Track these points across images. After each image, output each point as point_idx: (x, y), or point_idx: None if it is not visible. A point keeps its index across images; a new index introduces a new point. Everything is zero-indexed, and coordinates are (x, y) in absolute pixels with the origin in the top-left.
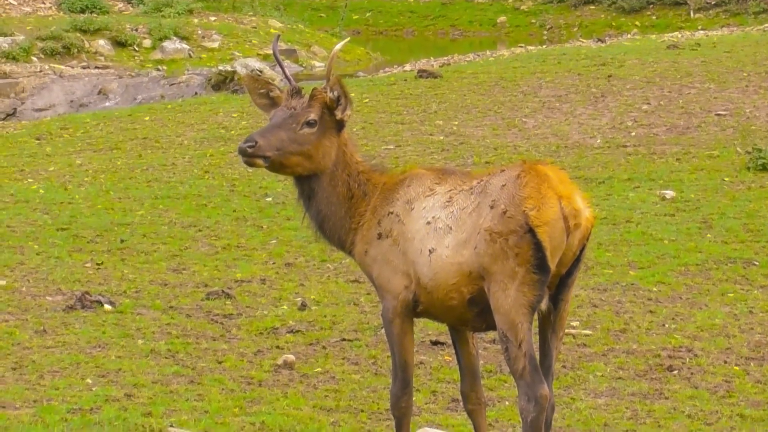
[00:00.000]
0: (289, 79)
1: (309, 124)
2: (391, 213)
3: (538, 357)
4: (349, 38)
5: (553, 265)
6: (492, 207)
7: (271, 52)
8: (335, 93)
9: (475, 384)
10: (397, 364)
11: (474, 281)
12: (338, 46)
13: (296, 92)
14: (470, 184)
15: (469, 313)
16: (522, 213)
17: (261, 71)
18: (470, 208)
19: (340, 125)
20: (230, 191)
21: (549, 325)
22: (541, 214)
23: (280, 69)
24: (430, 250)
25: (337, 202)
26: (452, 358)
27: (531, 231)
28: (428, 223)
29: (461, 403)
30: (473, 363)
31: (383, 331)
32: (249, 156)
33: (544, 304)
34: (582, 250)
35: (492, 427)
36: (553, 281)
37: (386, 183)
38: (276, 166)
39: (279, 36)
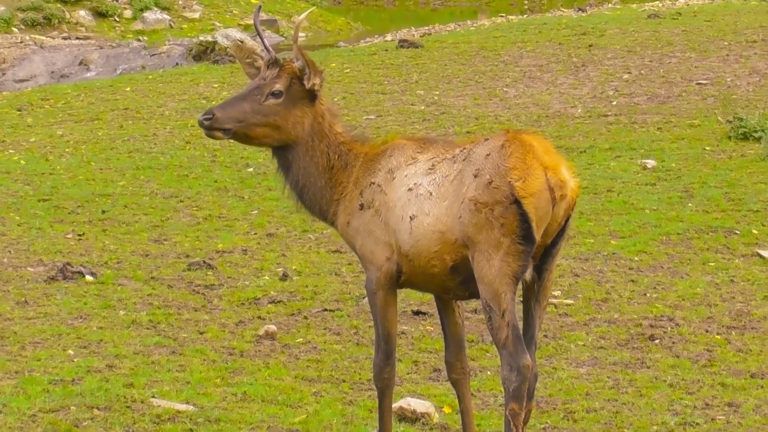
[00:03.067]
0: (267, 50)
1: (274, 94)
2: (373, 183)
3: (521, 326)
4: (312, 9)
5: (538, 235)
6: (476, 176)
7: (252, 22)
8: (299, 62)
9: (460, 354)
10: (380, 335)
11: (457, 249)
12: (302, 17)
13: (273, 63)
14: (453, 152)
15: (451, 282)
16: (507, 184)
17: (242, 41)
18: (452, 175)
19: (312, 95)
20: (211, 162)
21: (533, 294)
22: (526, 185)
23: (260, 40)
24: (411, 217)
25: (315, 173)
26: (434, 328)
27: (517, 202)
28: (410, 189)
29: (444, 373)
30: (459, 333)
31: (365, 301)
32: (207, 129)
33: (528, 274)
34: (567, 221)
35: (474, 396)
36: (537, 251)
37: (368, 153)
38: (241, 137)
39: (260, 7)
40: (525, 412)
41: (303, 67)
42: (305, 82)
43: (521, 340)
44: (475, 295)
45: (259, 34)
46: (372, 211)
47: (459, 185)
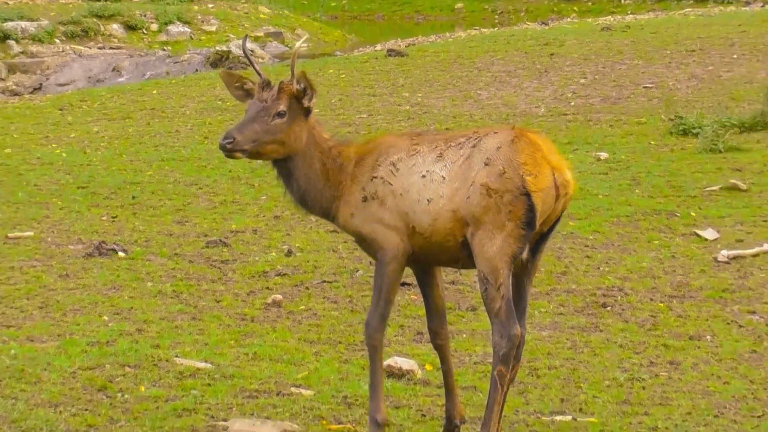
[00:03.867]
0: (259, 73)
1: (279, 115)
2: (375, 177)
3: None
4: (307, 36)
5: (539, 224)
6: (487, 164)
7: (261, 34)
8: (301, 85)
9: (443, 322)
10: (381, 301)
11: (465, 226)
12: (299, 44)
13: (266, 85)
14: (457, 141)
15: (462, 253)
16: (520, 177)
17: (252, 51)
18: (460, 160)
19: (307, 111)
20: None
21: (525, 272)
22: (537, 181)
23: (251, 65)
24: (428, 200)
25: (314, 177)
26: (417, 297)
27: (527, 194)
28: (423, 176)
29: (426, 335)
30: (442, 304)
31: (358, 274)
32: (229, 151)
33: (524, 255)
34: (562, 212)
35: (452, 355)
36: (534, 236)
37: (358, 152)
38: (254, 155)
39: (246, 36)
40: (513, 372)
41: (305, 89)
42: (304, 101)
43: (513, 311)
44: (469, 264)
45: (249, 59)
46: (377, 201)
47: (467, 169)
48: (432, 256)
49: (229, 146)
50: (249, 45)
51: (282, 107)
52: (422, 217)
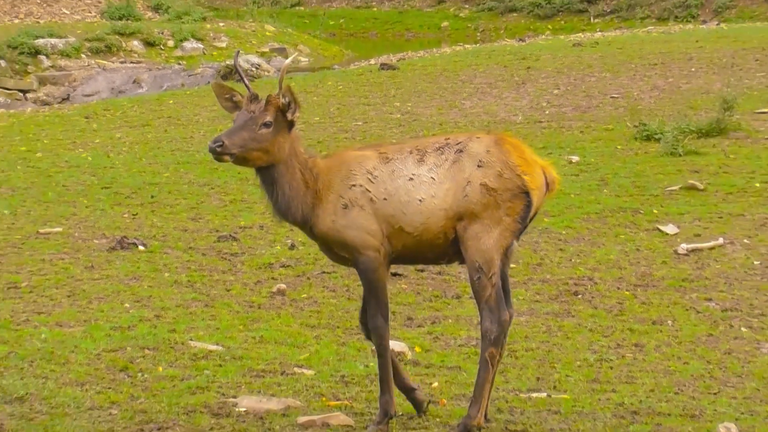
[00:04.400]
0: (248, 87)
1: (266, 125)
2: (354, 186)
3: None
4: (296, 54)
5: (530, 218)
6: (480, 166)
7: (267, 49)
8: (286, 99)
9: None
10: (379, 304)
11: (455, 223)
12: (287, 62)
13: (254, 98)
14: (433, 147)
15: (451, 249)
16: (518, 177)
17: (259, 65)
18: (446, 164)
19: (291, 125)
20: None
21: (506, 260)
22: (534, 180)
23: (242, 79)
24: (419, 200)
25: (296, 184)
26: (408, 286)
27: (525, 192)
28: (410, 179)
29: (417, 322)
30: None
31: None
32: (218, 154)
33: (513, 245)
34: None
35: (438, 339)
36: None
37: (327, 165)
38: (240, 160)
39: (239, 51)
40: (501, 353)
41: (289, 103)
42: (288, 115)
43: (503, 298)
44: (453, 259)
45: (239, 74)
46: (356, 208)
47: (458, 171)
48: (420, 253)
49: (218, 149)
50: (255, 59)
51: (269, 118)
52: (414, 217)
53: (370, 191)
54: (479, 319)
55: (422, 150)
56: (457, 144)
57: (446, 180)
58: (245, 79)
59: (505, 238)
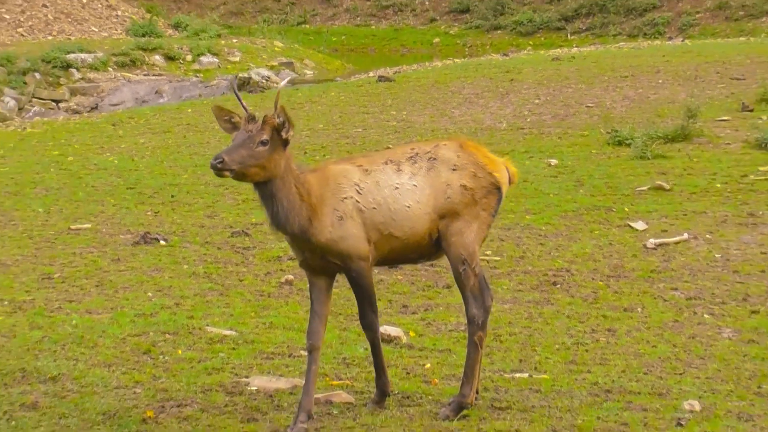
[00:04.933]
0: (245, 109)
1: (263, 143)
2: (346, 198)
3: None
4: (289, 77)
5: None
6: (455, 170)
7: (276, 63)
8: (281, 119)
9: (324, 326)
10: (371, 304)
11: (437, 224)
12: (282, 84)
13: (252, 118)
14: (405, 156)
15: (433, 249)
16: (489, 174)
17: (269, 77)
18: (423, 171)
19: (286, 143)
20: None
21: None
22: (501, 176)
23: (239, 101)
24: (407, 207)
25: (293, 198)
26: (403, 276)
27: (498, 188)
28: (396, 188)
29: (412, 309)
30: (328, 310)
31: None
32: (218, 170)
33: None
34: None
35: (430, 324)
36: None
37: (316, 179)
38: (239, 176)
39: (236, 76)
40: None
41: (283, 122)
42: (283, 133)
43: (486, 286)
44: (432, 257)
45: (237, 97)
46: (349, 219)
47: (435, 177)
48: (404, 255)
49: (219, 166)
50: (265, 72)
51: (265, 137)
52: (403, 223)
53: (360, 202)
54: (465, 307)
55: (396, 161)
56: (427, 153)
57: (426, 186)
58: (242, 102)
59: (482, 230)
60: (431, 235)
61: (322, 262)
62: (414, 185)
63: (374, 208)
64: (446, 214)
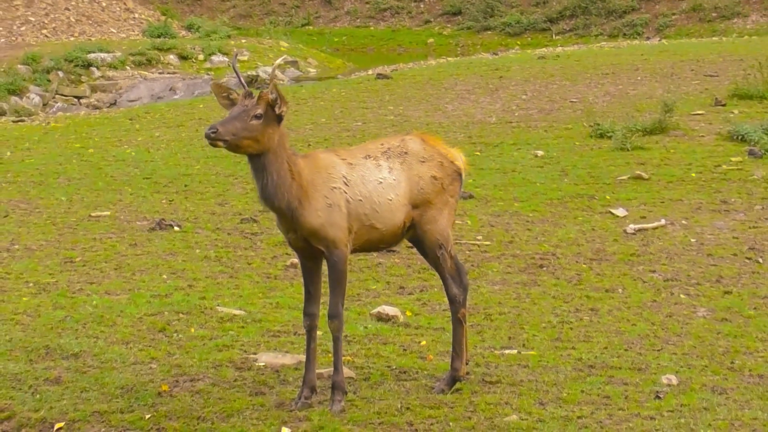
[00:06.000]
0: (243, 85)
1: (257, 117)
2: (335, 188)
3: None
4: (285, 56)
5: None
6: (423, 161)
7: (281, 63)
8: (274, 95)
9: (318, 306)
10: (342, 293)
11: (412, 212)
12: (278, 62)
13: (248, 95)
14: (379, 151)
15: (403, 237)
16: (452, 163)
17: (275, 75)
18: (397, 165)
19: (279, 118)
20: None
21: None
22: (461, 164)
23: (237, 78)
24: (389, 200)
25: (284, 173)
26: (400, 260)
27: (460, 175)
28: (380, 183)
29: (408, 290)
30: (321, 290)
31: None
32: (212, 139)
33: None
34: None
35: (425, 305)
36: None
37: (307, 164)
38: (233, 147)
39: (237, 53)
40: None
41: (276, 98)
42: (276, 109)
43: (461, 266)
44: (396, 245)
45: (236, 73)
46: (336, 207)
47: (408, 169)
48: (379, 243)
49: (213, 135)
50: (271, 70)
51: (260, 111)
52: (385, 214)
53: (347, 193)
54: (445, 288)
55: (373, 156)
56: (397, 147)
57: (402, 179)
58: (241, 78)
59: (452, 215)
60: (405, 225)
61: (304, 244)
62: (394, 179)
63: (360, 200)
64: (420, 204)
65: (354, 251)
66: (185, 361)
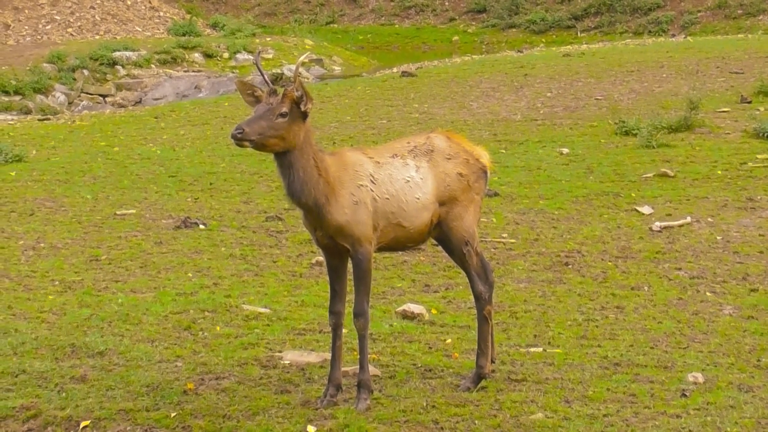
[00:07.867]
0: (268, 83)
1: (282, 115)
2: (362, 186)
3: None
4: (309, 53)
5: None
6: (449, 159)
7: (306, 60)
8: (299, 92)
9: (344, 304)
10: (367, 291)
11: (439, 209)
12: (301, 58)
13: (273, 92)
14: (406, 150)
15: (429, 235)
16: (477, 160)
17: (300, 73)
18: (425, 163)
19: (305, 115)
20: None
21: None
22: (486, 161)
23: (261, 76)
24: (417, 198)
25: (310, 169)
26: (425, 258)
27: (485, 172)
28: (407, 181)
29: (434, 288)
30: (346, 288)
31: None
32: (239, 140)
33: None
34: None
35: (451, 302)
36: None
37: (334, 161)
38: (259, 146)
39: (260, 51)
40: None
41: (302, 95)
42: (301, 106)
43: (486, 263)
44: (422, 243)
45: (260, 70)
46: (363, 205)
47: (434, 167)
48: (405, 242)
49: (239, 135)
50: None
51: (285, 109)
52: (411, 213)
53: (374, 191)
54: (471, 286)
55: (400, 155)
56: (423, 144)
57: (429, 177)
58: (265, 76)
59: (477, 212)
60: (432, 222)
61: (330, 242)
62: (421, 178)
63: (387, 198)
64: (446, 201)
65: (380, 250)
66: (210, 359)
